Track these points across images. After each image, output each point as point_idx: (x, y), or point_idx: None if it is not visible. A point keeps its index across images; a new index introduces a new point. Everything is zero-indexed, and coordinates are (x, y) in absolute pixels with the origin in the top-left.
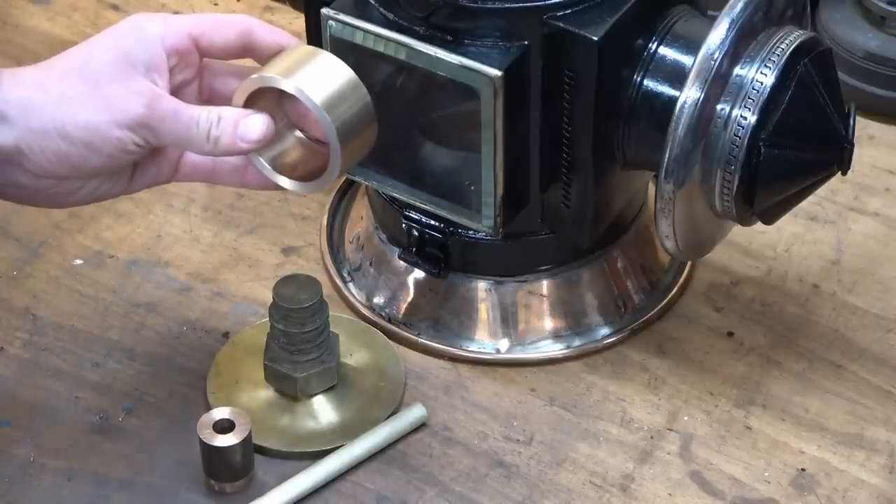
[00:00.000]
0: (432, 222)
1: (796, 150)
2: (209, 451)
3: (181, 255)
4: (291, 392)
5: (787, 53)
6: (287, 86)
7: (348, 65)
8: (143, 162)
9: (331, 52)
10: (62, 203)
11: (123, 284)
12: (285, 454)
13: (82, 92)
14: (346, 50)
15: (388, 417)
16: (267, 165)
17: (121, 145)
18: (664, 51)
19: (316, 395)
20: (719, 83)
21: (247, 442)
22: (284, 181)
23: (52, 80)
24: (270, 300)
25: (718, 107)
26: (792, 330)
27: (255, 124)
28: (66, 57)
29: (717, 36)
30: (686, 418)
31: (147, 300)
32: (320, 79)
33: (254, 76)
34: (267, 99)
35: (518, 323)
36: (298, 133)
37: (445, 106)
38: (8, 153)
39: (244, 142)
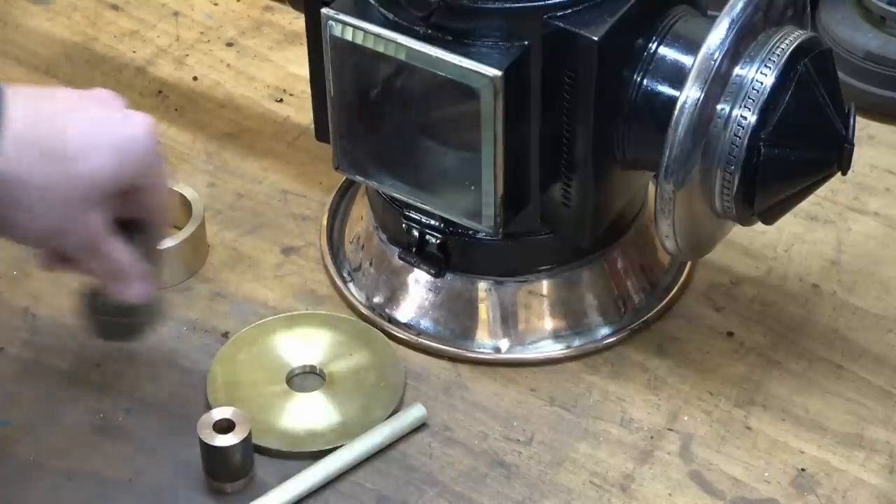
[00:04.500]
0: (432, 222)
1: (796, 150)
2: (209, 451)
3: None
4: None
5: (787, 53)
6: None
7: (348, 64)
8: None
9: (331, 52)
10: None
11: None
12: (285, 454)
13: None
14: (346, 50)
15: (388, 417)
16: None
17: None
18: (664, 51)
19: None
20: (719, 83)
21: (247, 442)
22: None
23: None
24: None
25: (718, 107)
26: (792, 330)
27: (139, 289)
28: (72, 110)
29: (717, 36)
30: (686, 418)
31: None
32: None
33: None
34: None
35: (518, 323)
36: None
37: (445, 106)
38: None
39: (124, 295)
